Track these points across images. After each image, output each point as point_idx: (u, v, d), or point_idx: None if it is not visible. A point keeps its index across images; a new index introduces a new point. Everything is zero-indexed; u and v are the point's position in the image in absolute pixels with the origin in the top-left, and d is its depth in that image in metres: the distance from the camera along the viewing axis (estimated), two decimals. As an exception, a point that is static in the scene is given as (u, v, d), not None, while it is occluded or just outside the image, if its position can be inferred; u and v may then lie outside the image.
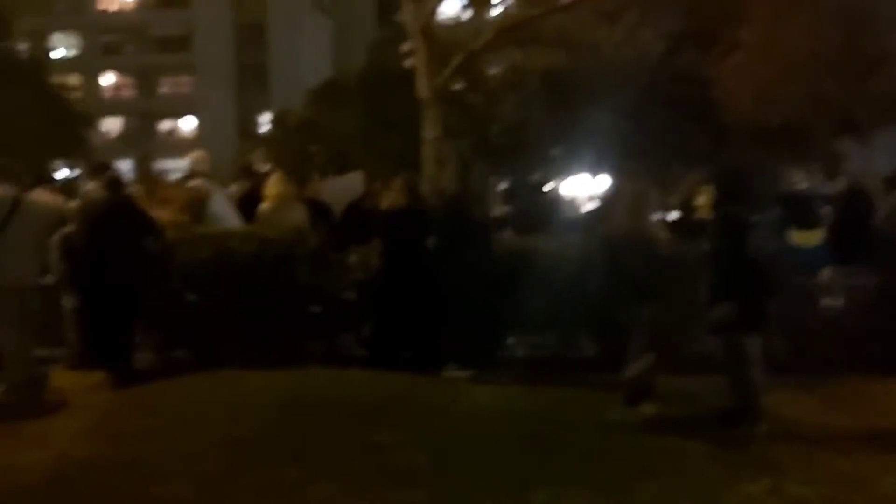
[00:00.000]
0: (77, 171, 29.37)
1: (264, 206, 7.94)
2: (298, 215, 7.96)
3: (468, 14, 15.75)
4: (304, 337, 7.31)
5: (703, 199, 8.07)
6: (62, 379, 6.86)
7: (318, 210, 8.26)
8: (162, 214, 7.63)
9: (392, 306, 7.02)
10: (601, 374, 6.50)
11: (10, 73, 28.40)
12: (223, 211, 8.04)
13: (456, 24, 15.12)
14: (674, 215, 9.48)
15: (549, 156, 23.50)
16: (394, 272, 7.05)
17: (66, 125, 31.32)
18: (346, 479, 4.70)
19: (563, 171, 23.03)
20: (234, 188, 9.30)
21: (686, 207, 9.00)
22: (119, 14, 49.57)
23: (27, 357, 6.65)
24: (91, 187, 7.82)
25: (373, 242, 7.43)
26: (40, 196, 7.31)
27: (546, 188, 11.75)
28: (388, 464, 4.90)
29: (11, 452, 5.22)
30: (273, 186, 8.05)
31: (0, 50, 29.93)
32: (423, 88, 10.10)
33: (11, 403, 6.34)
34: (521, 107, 22.76)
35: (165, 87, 49.72)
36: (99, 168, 9.26)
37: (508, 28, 11.26)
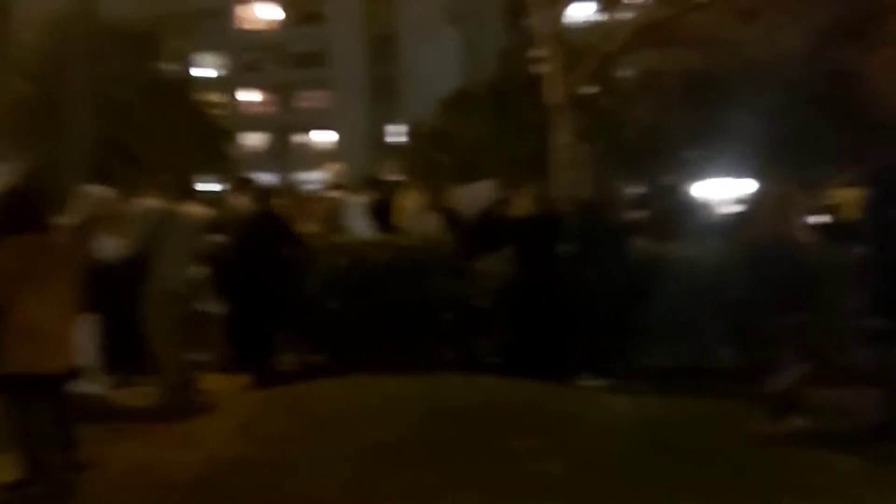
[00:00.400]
0: (221, 185, 30.92)
1: (399, 215, 8.19)
2: (432, 224, 8.15)
3: (600, 16, 15.62)
4: (437, 343, 7.46)
5: (849, 201, 7.69)
6: (209, 381, 7.26)
7: (452, 218, 8.42)
8: (304, 225, 8.02)
9: (526, 314, 7.04)
10: (742, 384, 6.26)
11: (161, 93, 30.34)
12: (360, 221, 8.31)
13: (587, 27, 15.03)
14: (821, 218, 9.08)
15: (684, 159, 22.97)
16: (527, 280, 7.07)
17: (211, 141, 33.13)
18: (484, 486, 4.74)
19: (699, 174, 22.44)
20: (362, 198, 9.57)
21: (834, 210, 8.60)
22: (259, 33, 52.03)
23: (179, 361, 7.07)
24: (240, 200, 8.28)
25: (505, 250, 7.51)
26: (190, 208, 7.81)
27: (681, 192, 11.50)
28: (525, 472, 4.91)
29: (164, 451, 5.55)
30: (407, 196, 8.28)
31: (151, 71, 32.00)
32: (554, 94, 10.09)
33: (164, 405, 6.77)
34: (657, 109, 22.33)
35: (302, 101, 51.79)
36: (241, 182, 9.83)
37: (643, 29, 11.08)
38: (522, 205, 7.36)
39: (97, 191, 7.47)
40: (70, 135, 9.01)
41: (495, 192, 9.18)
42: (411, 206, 8.21)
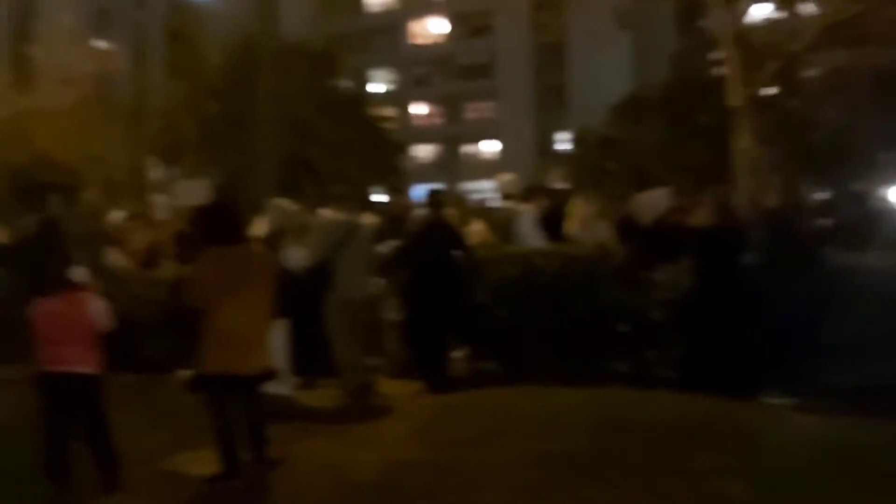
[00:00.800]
0: (391, 195, 32.02)
1: (569, 224, 8.18)
2: (603, 233, 8.07)
3: (782, 14, 14.91)
4: (609, 355, 7.36)
5: None
6: (385, 386, 7.55)
7: (627, 227, 8.31)
8: (474, 234, 8.19)
9: (706, 327, 6.82)
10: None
11: (337, 109, 31.87)
12: (530, 230, 8.36)
13: (769, 27, 14.38)
14: None
15: (876, 163, 21.50)
16: (707, 292, 6.84)
17: (384, 153, 34.40)
18: (662, 502, 4.66)
19: (891, 179, 20.93)
20: (532, 207, 9.60)
21: None
22: (429, 47, 53.50)
23: (358, 365, 7.40)
24: (418, 210, 8.58)
25: (682, 260, 7.31)
26: (367, 218, 8.18)
27: (872, 198, 10.79)
28: (705, 490, 4.76)
29: (345, 452, 5.81)
30: (577, 205, 8.25)
31: (328, 88, 33.68)
32: (735, 96, 9.75)
33: (345, 407, 7.11)
34: (845, 110, 21.03)
35: (469, 112, 52.74)
36: (395, 191, 10.37)
37: (832, 26, 10.49)
38: (701, 213, 7.14)
39: (284, 203, 7.97)
40: (257, 150, 9.68)
41: (670, 199, 8.97)
42: (581, 214, 8.17)
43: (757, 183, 9.64)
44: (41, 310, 5.16)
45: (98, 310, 5.21)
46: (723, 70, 10.21)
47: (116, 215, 10.36)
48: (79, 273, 5.24)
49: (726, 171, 10.52)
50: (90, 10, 35.54)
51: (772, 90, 15.77)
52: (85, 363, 5.15)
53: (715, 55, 10.96)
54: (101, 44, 29.80)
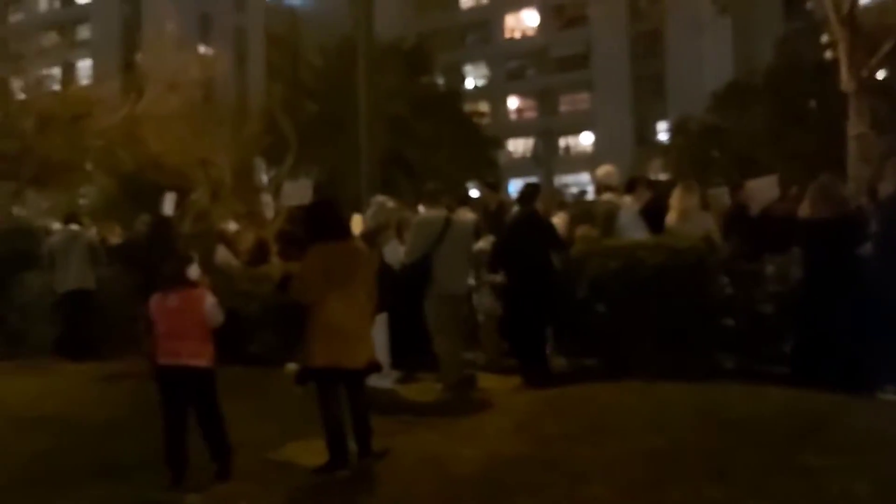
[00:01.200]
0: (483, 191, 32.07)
1: (671, 215, 8.00)
2: (707, 224, 7.87)
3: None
4: (715, 350, 7.19)
5: None
6: (483, 380, 7.59)
7: (734, 217, 8.13)
8: (572, 228, 8.14)
9: (818, 321, 6.58)
10: None
11: (431, 106, 32.13)
12: (631, 223, 8.22)
13: (881, 7, 13.72)
14: None
15: None
16: (819, 284, 6.60)
17: (478, 148, 34.48)
18: (774, 501, 4.53)
19: None
20: (632, 199, 9.43)
21: None
22: (522, 41, 53.25)
23: (459, 359, 7.47)
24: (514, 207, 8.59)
25: (791, 251, 7.07)
26: (464, 215, 8.22)
27: None
28: (822, 489, 4.60)
29: (447, 446, 5.87)
30: (679, 196, 8.07)
31: (423, 85, 34.00)
32: (846, 80, 9.36)
33: (446, 402, 7.18)
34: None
35: (565, 105, 52.24)
36: (488, 186, 10.37)
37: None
38: (810, 203, 6.88)
39: (383, 201, 8.11)
40: (356, 149, 9.84)
41: (778, 188, 8.69)
42: (684, 205, 7.99)
43: (871, 171, 9.23)
44: (158, 306, 5.42)
45: (211, 306, 5.43)
46: (832, 53, 9.82)
47: (230, 224, 10.79)
48: (193, 271, 5.47)
49: (838, 158, 10.10)
50: (193, 16, 36.94)
51: (886, 73, 15.06)
52: (199, 357, 5.38)
53: (823, 38, 10.51)
54: (205, 49, 30.93)
